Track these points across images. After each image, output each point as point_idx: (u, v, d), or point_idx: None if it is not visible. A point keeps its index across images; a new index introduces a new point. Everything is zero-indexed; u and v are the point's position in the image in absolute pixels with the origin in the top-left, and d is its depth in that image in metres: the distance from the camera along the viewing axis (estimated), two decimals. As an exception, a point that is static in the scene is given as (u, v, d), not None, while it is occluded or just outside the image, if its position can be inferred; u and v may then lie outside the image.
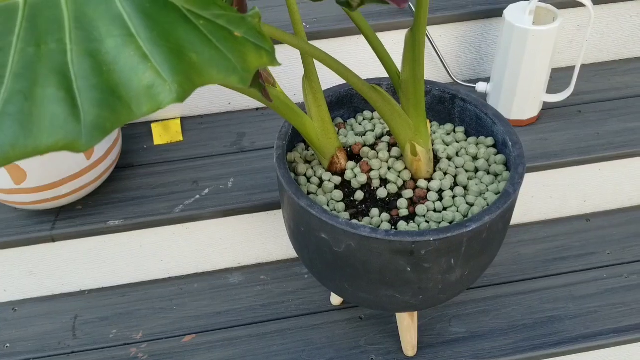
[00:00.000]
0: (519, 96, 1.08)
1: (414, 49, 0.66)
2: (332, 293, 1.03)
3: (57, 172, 0.95)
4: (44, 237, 1.00)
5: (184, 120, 1.23)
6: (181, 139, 1.18)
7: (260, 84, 0.62)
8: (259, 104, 1.25)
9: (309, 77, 0.75)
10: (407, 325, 0.89)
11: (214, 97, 1.23)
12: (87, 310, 1.06)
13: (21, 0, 0.41)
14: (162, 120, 1.22)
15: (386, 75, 1.22)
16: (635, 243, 1.10)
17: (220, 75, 0.39)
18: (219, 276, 1.11)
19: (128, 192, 1.07)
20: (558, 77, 1.23)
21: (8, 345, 1.01)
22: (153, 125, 1.20)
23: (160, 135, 1.18)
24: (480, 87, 1.15)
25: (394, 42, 1.20)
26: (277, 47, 1.15)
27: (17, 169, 0.92)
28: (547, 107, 1.17)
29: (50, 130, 0.37)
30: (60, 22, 0.40)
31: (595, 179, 1.11)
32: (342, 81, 1.15)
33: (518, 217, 1.14)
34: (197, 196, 1.05)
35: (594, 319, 0.97)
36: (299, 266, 1.11)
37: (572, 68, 1.26)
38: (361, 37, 1.18)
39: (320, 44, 1.17)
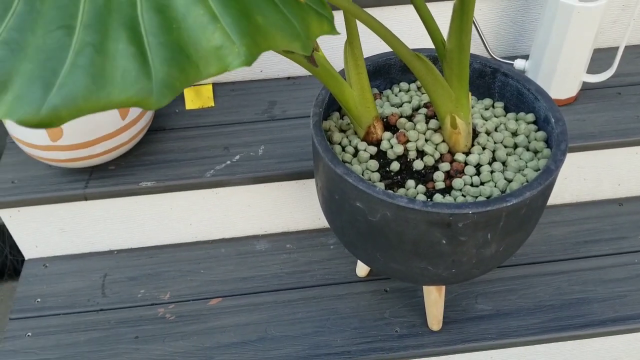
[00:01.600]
0: (559, 75, 1.06)
1: (461, 17, 0.64)
2: (357, 264, 1.03)
3: (93, 131, 0.96)
4: (77, 195, 1.02)
5: (215, 86, 1.22)
6: (213, 104, 1.18)
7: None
8: (291, 73, 1.24)
9: (352, 42, 0.74)
10: (435, 299, 0.89)
11: (247, 64, 1.22)
12: (116, 270, 1.08)
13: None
14: (194, 85, 1.22)
15: (424, 46, 1.20)
16: (669, 229, 1.08)
17: (285, 40, 0.39)
18: (246, 242, 1.12)
19: (160, 154, 1.07)
20: (598, 58, 1.20)
21: (39, 299, 1.03)
22: (185, 90, 1.20)
23: (192, 100, 1.18)
24: (519, 64, 1.13)
25: (436, 13, 1.17)
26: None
27: (54, 126, 0.93)
28: (585, 88, 1.14)
29: (122, 86, 0.36)
30: None
31: (631, 163, 1.09)
32: (375, 53, 1.14)
33: (550, 198, 1.13)
34: (228, 162, 1.05)
35: (623, 302, 0.96)
36: (325, 236, 1.11)
37: (614, 49, 1.22)
38: (398, 8, 1.16)
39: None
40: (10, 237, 1.30)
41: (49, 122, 0.36)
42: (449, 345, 0.92)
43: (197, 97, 1.18)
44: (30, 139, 0.95)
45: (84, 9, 0.38)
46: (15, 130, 0.95)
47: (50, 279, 1.07)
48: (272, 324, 0.97)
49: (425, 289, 0.89)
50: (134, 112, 1.00)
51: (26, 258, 1.12)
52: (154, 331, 0.98)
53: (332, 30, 0.42)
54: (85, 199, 1.03)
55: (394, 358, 0.92)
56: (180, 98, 1.19)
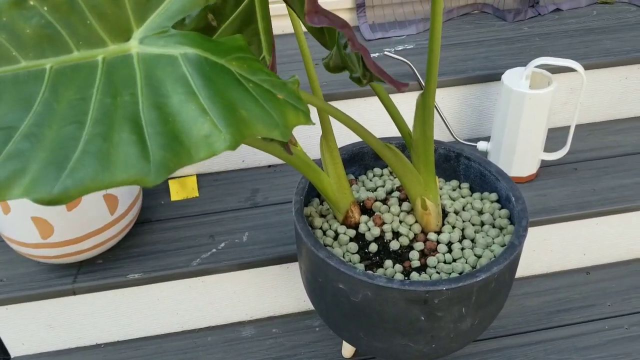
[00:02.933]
0: (518, 154, 1.15)
1: (424, 111, 0.73)
2: (343, 345, 1.06)
3: (82, 227, 0.99)
4: (66, 290, 1.04)
5: (199, 177, 1.29)
6: (197, 194, 1.24)
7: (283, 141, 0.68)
8: (271, 162, 1.32)
9: (327, 136, 0.82)
10: (419, 375, 0.92)
11: (228, 155, 1.29)
12: (102, 363, 1.08)
13: (100, 58, 0.48)
14: (178, 177, 1.28)
15: (390, 135, 1.29)
16: (634, 295, 1.14)
17: (265, 129, 0.46)
18: (232, 329, 1.14)
19: (147, 246, 1.11)
20: (554, 137, 1.31)
21: (25, 398, 1.03)
22: (170, 182, 1.26)
23: (177, 192, 1.24)
24: (481, 145, 1.22)
25: (398, 104, 1.28)
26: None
27: (45, 224, 0.97)
28: (544, 165, 1.23)
29: (124, 167, 0.43)
30: (133, 79, 0.47)
31: (593, 233, 1.17)
32: (349, 141, 1.22)
33: (521, 270, 1.19)
34: (214, 250, 1.09)
35: (599, 369, 1.00)
36: (310, 319, 1.14)
37: (567, 128, 1.33)
38: (367, 100, 1.26)
39: (329, 106, 1.25)
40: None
41: (60, 200, 0.42)
42: (436, 421, 0.93)
43: (182, 189, 1.24)
44: (21, 237, 0.98)
45: (94, 107, 0.45)
46: (6, 229, 0.99)
47: (36, 376, 1.07)
48: (262, 410, 0.98)
49: (409, 365, 0.92)
50: (123, 206, 1.04)
51: (12, 356, 1.11)
52: None
53: (308, 121, 0.49)
54: (74, 293, 1.05)
55: None
56: (166, 190, 1.25)
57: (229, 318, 1.15)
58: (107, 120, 0.44)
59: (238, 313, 1.14)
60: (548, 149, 1.24)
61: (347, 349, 1.05)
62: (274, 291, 1.13)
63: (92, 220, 1.00)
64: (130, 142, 0.44)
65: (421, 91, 0.79)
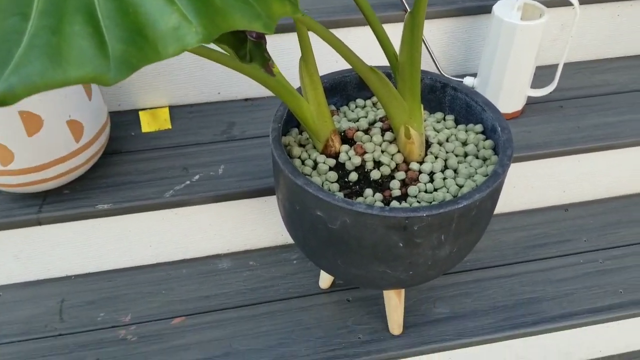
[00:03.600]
0: (505, 90, 1.12)
1: (412, 31, 0.69)
2: (320, 276, 1.05)
3: (45, 154, 0.95)
4: (30, 220, 1.00)
5: (172, 108, 1.23)
6: (170, 127, 1.19)
7: (265, 57, 0.64)
8: (248, 95, 1.27)
9: (306, 59, 0.77)
10: (395, 304, 0.91)
11: (203, 87, 1.24)
12: (73, 295, 1.06)
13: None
14: (150, 108, 1.23)
15: (379, 64, 1.24)
16: (611, 231, 1.15)
17: (244, 20, 0.41)
18: (208, 262, 1.12)
19: (117, 177, 1.07)
20: (541, 74, 1.28)
21: (-7, 328, 1.00)
22: (141, 113, 1.20)
23: (148, 123, 1.19)
24: (468, 81, 1.19)
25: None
26: (271, 39, 1.17)
27: (5, 150, 0.92)
28: (530, 102, 1.21)
29: (79, 63, 0.38)
30: None
31: (574, 170, 1.16)
32: (334, 69, 1.18)
33: (500, 206, 1.18)
34: (187, 182, 1.06)
35: (571, 300, 1.01)
36: (287, 252, 1.13)
37: (556, 66, 1.31)
38: (352, 30, 1.21)
39: (313, 34, 1.19)
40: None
41: (5, 98, 0.37)
42: (409, 348, 0.94)
43: (154, 120, 1.19)
44: (-18, 164, 0.93)
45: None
46: (-33, 155, 0.93)
47: (5, 307, 1.04)
48: (237, 339, 0.97)
49: (386, 294, 0.92)
50: (88, 133, 0.99)
51: (-22, 287, 1.08)
52: (116, 353, 0.96)
53: (295, 11, 0.44)
54: (39, 223, 1.01)
55: (357, 365, 0.94)
56: (136, 122, 1.19)
57: (205, 251, 1.13)
58: (55, 11, 0.39)
59: (214, 246, 1.12)
60: (535, 85, 1.22)
61: (325, 280, 1.04)
62: (251, 225, 1.11)
63: (55, 147, 0.95)
64: (84, 35, 0.39)
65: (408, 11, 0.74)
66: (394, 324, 0.94)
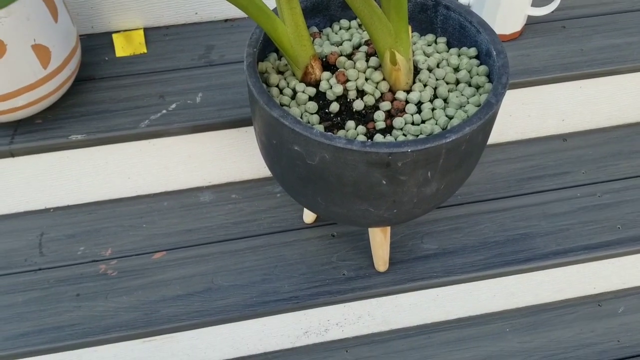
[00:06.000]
0: (503, 8, 1.03)
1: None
2: (304, 211, 1.01)
3: (12, 82, 0.88)
4: (2, 152, 0.95)
5: (147, 31, 1.15)
6: (145, 50, 1.11)
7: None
8: (228, 15, 1.18)
9: (282, -25, 0.69)
10: (380, 241, 0.88)
11: (179, 6, 1.14)
12: (52, 228, 1.03)
13: None
14: (123, 30, 1.14)
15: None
16: (610, 163, 1.09)
17: None
18: (189, 194, 1.08)
19: (90, 105, 1.01)
20: (543, -9, 1.18)
21: (-30, 263, 0.98)
22: (114, 36, 1.12)
23: (123, 47, 1.11)
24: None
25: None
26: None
27: (-34, 77, 0.85)
28: (530, 22, 1.12)
29: None
30: None
31: (575, 98, 1.09)
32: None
33: (494, 136, 1.13)
34: (164, 111, 1.00)
35: (566, 236, 0.98)
36: (271, 185, 1.08)
37: (559, -18, 1.20)
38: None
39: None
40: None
41: None
42: (395, 285, 0.92)
43: (128, 44, 1.11)
44: (-57, 93, 0.87)
45: None
46: None
47: (-18, 241, 1.02)
48: (219, 274, 0.95)
49: (371, 231, 0.88)
50: (57, 59, 0.92)
51: (-47, 221, 1.05)
52: (96, 288, 0.94)
53: None
54: (12, 155, 0.96)
55: (341, 300, 0.92)
56: (110, 45, 1.12)
57: (186, 183, 1.08)
58: None
59: (195, 178, 1.08)
60: (536, 4, 1.12)
61: (308, 215, 1.00)
62: (232, 156, 1.06)
63: (22, 74, 0.88)
64: None
65: None
66: (380, 261, 0.91)
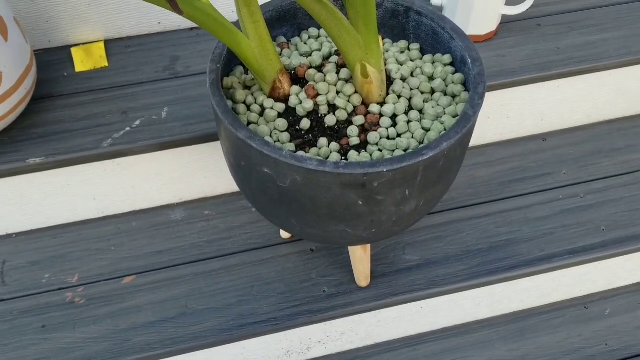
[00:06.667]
0: (477, 9, 1.00)
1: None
2: (281, 226, 0.97)
3: (-40, 106, 0.83)
4: (-44, 179, 0.90)
5: (108, 43, 1.09)
6: (106, 64, 1.06)
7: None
8: (193, 23, 1.12)
9: (242, -14, 0.65)
10: (360, 256, 0.85)
11: (142, 16, 1.09)
12: (15, 255, 0.98)
13: None
14: (83, 43, 1.09)
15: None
16: (592, 161, 1.07)
17: None
18: (159, 213, 1.03)
19: (48, 125, 0.95)
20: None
21: None
22: (73, 50, 1.06)
23: (82, 61, 1.05)
24: (436, 0, 1.06)
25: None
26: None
27: None
28: (505, 21, 1.10)
29: None
30: None
31: (553, 96, 1.07)
32: None
33: (473, 139, 1.10)
34: (128, 128, 0.95)
35: (549, 240, 0.96)
36: (245, 199, 1.04)
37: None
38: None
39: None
40: None
41: None
42: (378, 300, 0.88)
43: (88, 57, 1.05)
44: None
45: None
46: None
47: (-61, 274, 0.96)
48: (193, 297, 0.91)
49: (350, 248, 0.85)
50: (9, 80, 0.87)
51: None
52: (63, 318, 0.89)
53: None
54: (-33, 182, 0.91)
55: (322, 319, 0.88)
56: (69, 60, 1.06)
57: (155, 201, 1.03)
58: None
59: (165, 196, 1.03)
60: (510, 2, 1.10)
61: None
62: (203, 172, 1.01)
63: (-30, 97, 0.83)
64: None
65: None
66: (361, 276, 0.88)
